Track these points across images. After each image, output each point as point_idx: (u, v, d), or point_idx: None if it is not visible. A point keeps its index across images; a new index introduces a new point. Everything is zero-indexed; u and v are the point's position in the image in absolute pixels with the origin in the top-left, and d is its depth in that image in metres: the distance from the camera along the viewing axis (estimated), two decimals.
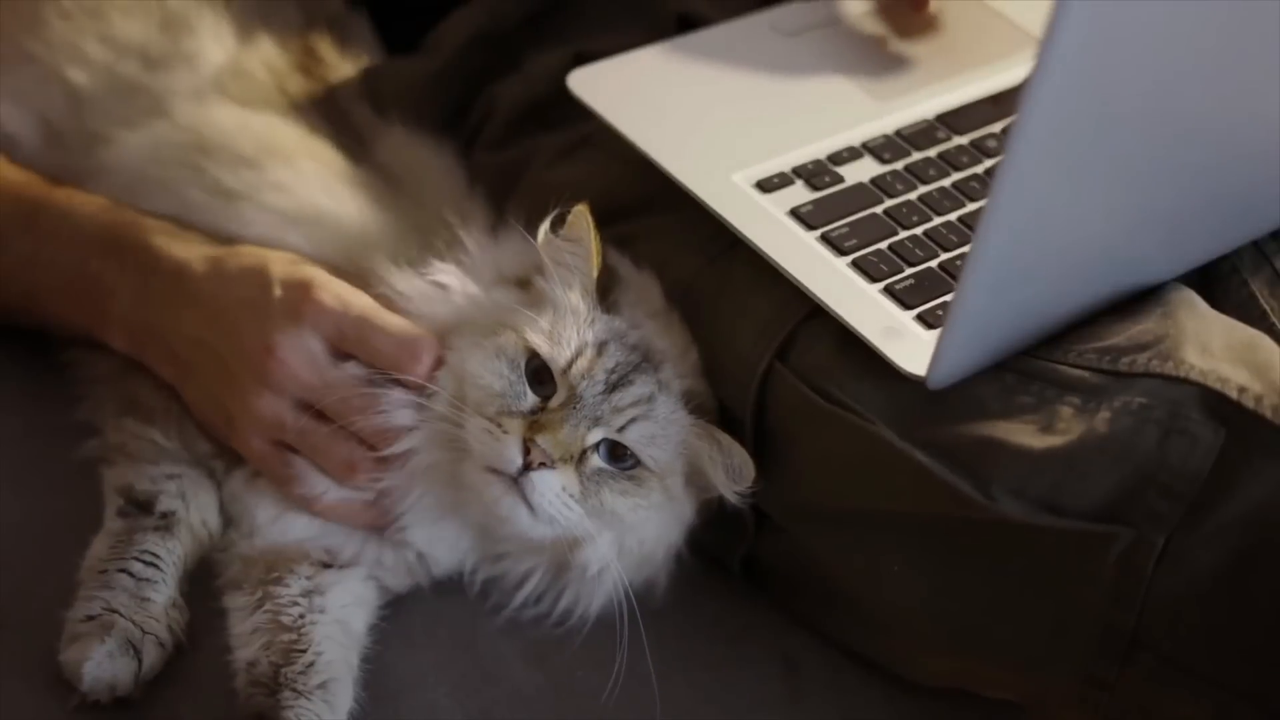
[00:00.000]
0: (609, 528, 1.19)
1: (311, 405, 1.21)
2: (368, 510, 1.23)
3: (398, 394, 1.19)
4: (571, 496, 1.16)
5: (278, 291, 1.21)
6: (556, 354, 1.17)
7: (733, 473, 1.18)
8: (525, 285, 1.22)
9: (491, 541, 1.24)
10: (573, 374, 1.16)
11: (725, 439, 1.18)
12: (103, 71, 1.39)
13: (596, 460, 1.17)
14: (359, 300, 1.21)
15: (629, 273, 1.26)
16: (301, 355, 1.20)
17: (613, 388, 1.17)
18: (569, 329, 1.17)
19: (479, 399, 1.17)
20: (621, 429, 1.17)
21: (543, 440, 1.14)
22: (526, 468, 1.14)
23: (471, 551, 1.24)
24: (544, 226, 1.20)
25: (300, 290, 1.21)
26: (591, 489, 1.17)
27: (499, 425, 1.15)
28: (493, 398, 1.16)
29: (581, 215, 1.18)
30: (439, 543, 1.24)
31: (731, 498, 1.19)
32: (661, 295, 1.26)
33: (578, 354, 1.17)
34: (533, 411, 1.16)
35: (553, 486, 1.15)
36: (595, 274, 1.19)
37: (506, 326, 1.18)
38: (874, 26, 1.42)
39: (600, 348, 1.17)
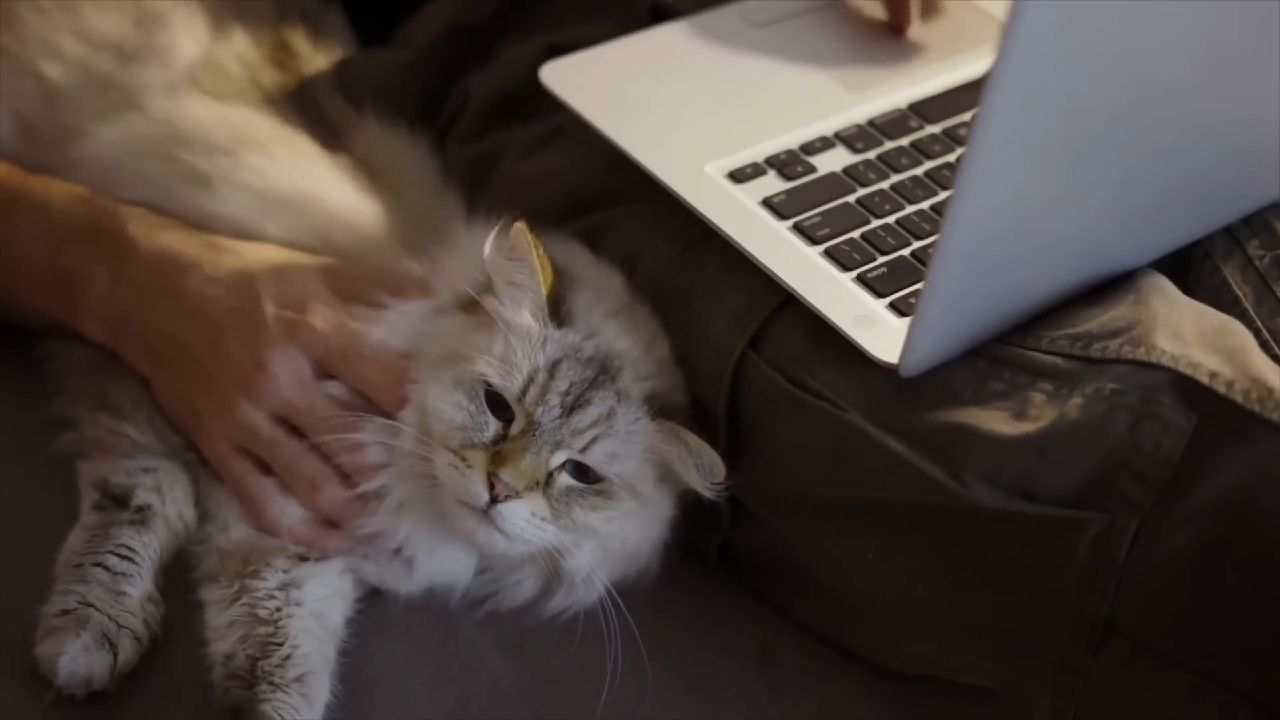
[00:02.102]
0: (587, 538, 1.20)
1: (287, 421, 1.22)
2: (326, 534, 1.23)
3: (375, 425, 1.20)
4: (543, 519, 1.17)
5: (270, 308, 1.22)
6: (508, 383, 1.16)
7: (703, 470, 1.18)
8: (483, 295, 1.20)
9: (481, 557, 1.24)
10: (528, 401, 1.16)
11: (692, 439, 1.17)
12: (76, 66, 1.38)
13: (563, 479, 1.17)
14: (349, 324, 1.21)
15: (587, 270, 1.25)
16: (290, 374, 1.21)
17: (570, 410, 1.16)
18: (520, 354, 1.17)
19: (442, 432, 1.17)
20: (584, 449, 1.17)
21: (505, 475, 1.14)
22: (494, 500, 1.15)
23: (468, 567, 1.25)
24: (488, 244, 1.19)
25: (296, 310, 1.22)
26: (561, 509, 1.17)
27: (463, 459, 1.16)
28: (455, 431, 1.17)
29: (521, 233, 1.17)
30: (443, 566, 1.25)
31: (706, 493, 1.19)
32: (623, 289, 1.25)
33: (530, 380, 1.16)
34: (495, 441, 1.16)
35: (521, 514, 1.16)
36: (544, 290, 1.18)
37: (461, 356, 1.18)
38: (846, 17, 1.43)
39: (553, 369, 1.17)
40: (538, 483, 1.16)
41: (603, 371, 1.18)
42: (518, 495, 1.15)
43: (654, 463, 1.20)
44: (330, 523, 1.23)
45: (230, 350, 1.22)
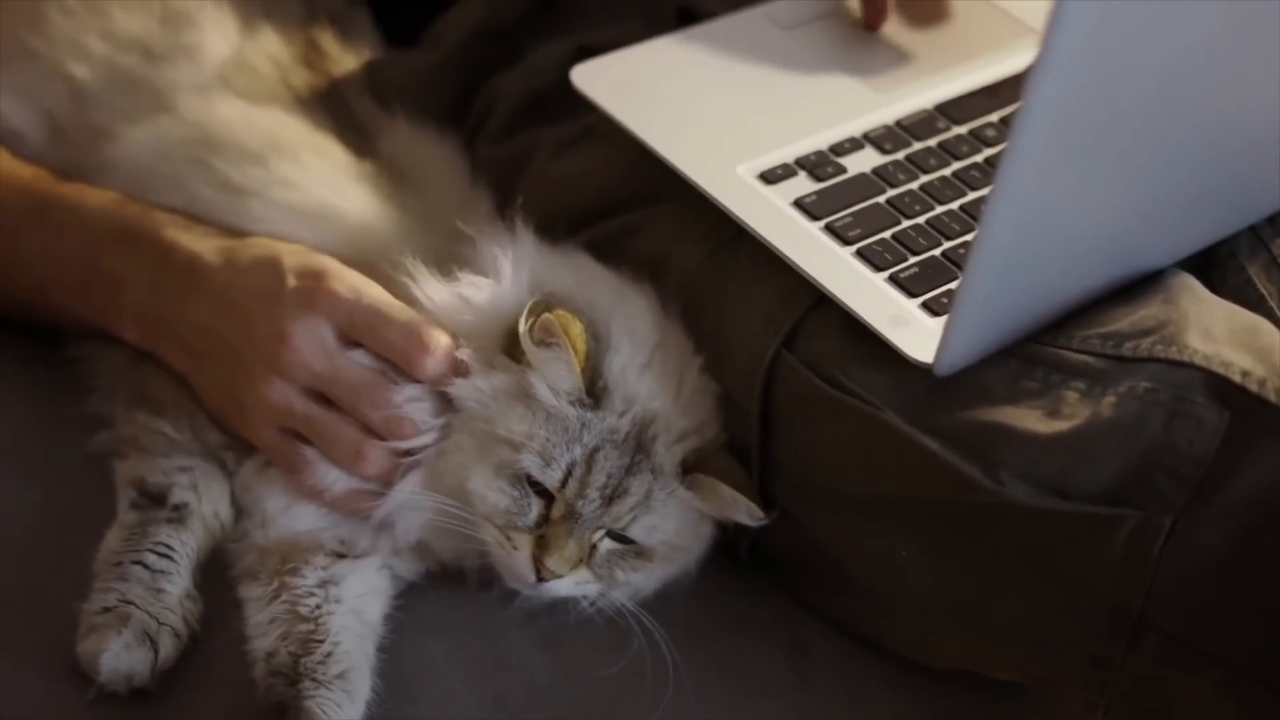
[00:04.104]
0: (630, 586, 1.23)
1: (321, 393, 1.22)
2: (373, 500, 1.23)
3: (409, 387, 1.20)
4: (587, 582, 1.21)
5: (291, 281, 1.22)
6: (548, 476, 1.18)
7: (744, 515, 1.21)
8: (523, 367, 1.20)
9: None
10: (568, 493, 1.18)
11: (728, 492, 1.20)
12: (105, 67, 1.39)
13: (605, 545, 1.20)
14: (371, 290, 1.22)
15: (613, 301, 1.24)
16: (313, 342, 1.21)
17: (609, 500, 1.18)
18: (558, 445, 1.18)
19: (487, 513, 1.19)
20: (624, 528, 1.20)
21: (551, 562, 1.18)
22: (540, 580, 1.19)
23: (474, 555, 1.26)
24: (522, 322, 1.18)
25: (314, 279, 1.22)
26: (605, 571, 1.21)
27: (509, 539, 1.19)
28: (500, 513, 1.19)
29: (552, 324, 1.16)
30: (441, 549, 1.26)
31: (749, 524, 1.22)
32: (650, 316, 1.25)
33: (568, 474, 1.18)
34: (538, 522, 1.19)
35: (567, 586, 1.20)
36: (579, 371, 1.18)
37: (500, 440, 1.18)
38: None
39: (590, 461, 1.18)
40: (581, 560, 1.19)
41: (638, 450, 1.19)
42: (562, 576, 1.19)
43: (691, 513, 1.23)
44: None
45: (257, 329, 1.22)
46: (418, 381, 1.20)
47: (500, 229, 1.27)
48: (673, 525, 1.22)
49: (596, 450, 1.18)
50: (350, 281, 1.22)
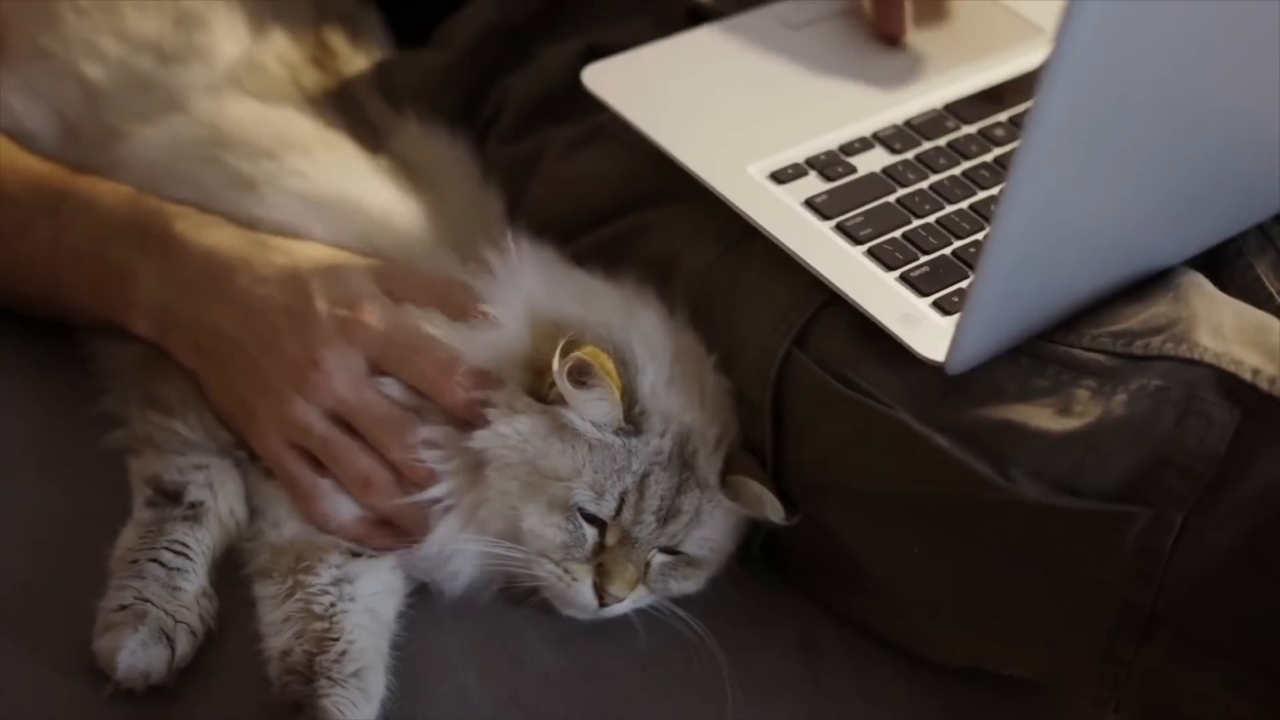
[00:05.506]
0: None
1: (341, 418, 1.23)
2: (377, 532, 1.24)
3: (431, 427, 1.21)
4: (642, 598, 1.23)
5: (323, 306, 1.23)
6: (602, 508, 1.19)
7: (769, 512, 1.22)
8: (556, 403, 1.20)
9: None
10: (623, 520, 1.19)
11: (756, 487, 1.21)
12: (118, 67, 1.39)
13: (658, 560, 1.22)
14: (404, 322, 1.22)
15: (626, 319, 1.24)
16: (344, 371, 1.22)
17: (664, 521, 1.20)
18: (608, 476, 1.19)
19: (543, 549, 1.20)
20: (679, 543, 1.22)
21: (613, 588, 1.20)
22: (602, 605, 1.20)
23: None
24: (556, 364, 1.17)
25: (349, 308, 1.23)
26: (659, 585, 1.23)
27: (567, 571, 1.20)
28: (557, 549, 1.20)
29: (588, 367, 1.16)
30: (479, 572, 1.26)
31: (775, 520, 1.23)
32: (666, 335, 1.25)
33: (621, 502, 1.19)
34: (594, 551, 1.20)
35: (626, 605, 1.22)
36: (619, 401, 1.18)
37: (546, 475, 1.19)
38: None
39: (641, 487, 1.19)
40: (639, 579, 1.21)
41: (684, 467, 1.21)
42: (624, 599, 1.20)
43: (733, 516, 1.25)
44: (383, 520, 1.24)
45: (283, 348, 1.23)
46: (446, 413, 1.21)
47: (502, 250, 1.26)
48: (720, 533, 1.24)
49: (646, 475, 1.19)
50: (383, 312, 1.23)
